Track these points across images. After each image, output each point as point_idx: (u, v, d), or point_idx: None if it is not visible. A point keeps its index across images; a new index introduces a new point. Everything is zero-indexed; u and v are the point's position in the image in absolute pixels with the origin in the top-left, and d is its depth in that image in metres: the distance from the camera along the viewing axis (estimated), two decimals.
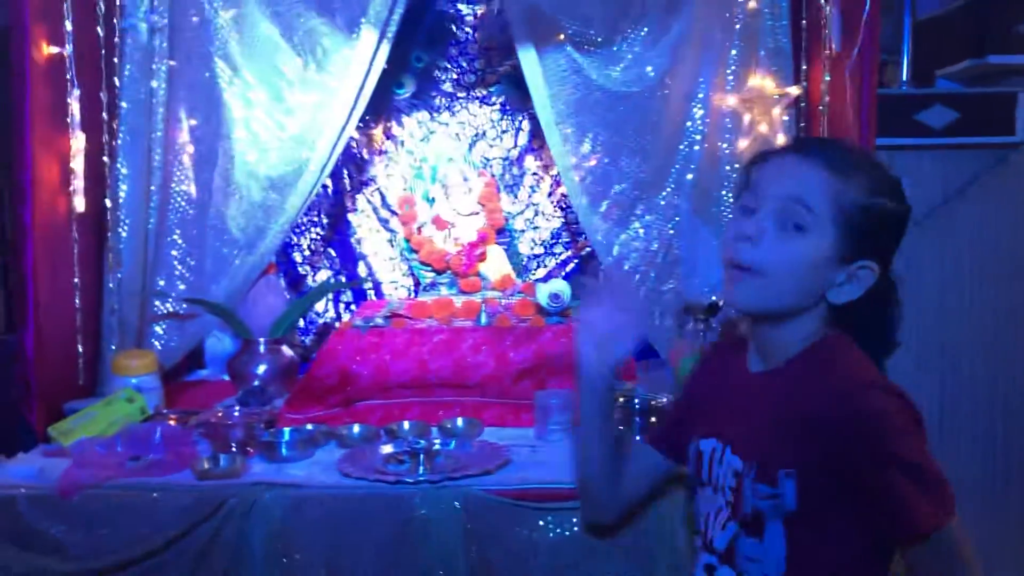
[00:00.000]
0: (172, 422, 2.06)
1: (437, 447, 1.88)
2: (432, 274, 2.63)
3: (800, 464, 1.06)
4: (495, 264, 2.59)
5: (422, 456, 1.83)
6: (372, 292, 2.87)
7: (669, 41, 2.42)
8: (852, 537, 1.05)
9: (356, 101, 2.38)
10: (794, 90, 2.35)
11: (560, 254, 2.89)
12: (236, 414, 2.05)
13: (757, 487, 1.09)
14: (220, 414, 2.05)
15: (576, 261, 2.88)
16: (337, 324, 2.80)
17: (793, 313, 1.12)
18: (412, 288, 2.81)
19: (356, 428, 2.08)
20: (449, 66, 2.85)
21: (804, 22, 2.33)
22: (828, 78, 2.20)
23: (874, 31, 2.04)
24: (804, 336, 1.13)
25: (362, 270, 2.87)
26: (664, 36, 2.42)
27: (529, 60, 2.39)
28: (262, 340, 2.38)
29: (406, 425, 2.09)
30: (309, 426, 2.08)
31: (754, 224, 1.09)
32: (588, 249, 2.79)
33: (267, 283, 2.50)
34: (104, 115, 2.26)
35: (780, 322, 1.13)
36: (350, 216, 2.88)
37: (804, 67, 2.35)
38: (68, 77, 2.13)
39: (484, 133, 2.86)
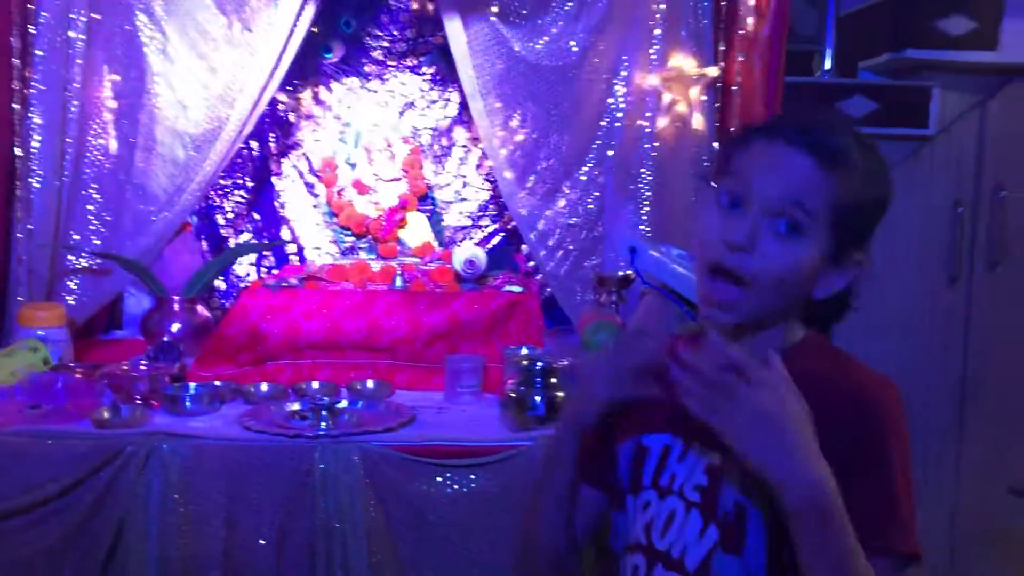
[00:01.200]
0: (78, 375, 2.04)
1: (344, 405, 1.90)
2: (352, 238, 2.64)
3: None
4: (416, 231, 2.60)
5: (325, 412, 1.84)
6: (296, 257, 2.86)
7: (593, 17, 2.45)
8: None
9: (278, 62, 2.37)
10: (712, 70, 2.40)
11: (486, 227, 2.90)
12: (143, 367, 2.04)
13: (744, 481, 0.98)
14: (125, 367, 2.04)
15: (503, 234, 2.90)
16: None
17: (776, 318, 1.04)
18: (338, 255, 2.81)
19: (264, 386, 2.09)
20: (380, 34, 2.84)
21: (724, 3, 2.37)
22: (741, 59, 2.24)
23: (784, 11, 2.09)
24: (782, 335, 1.05)
25: (285, 234, 2.86)
26: (588, 12, 2.45)
27: (455, 30, 2.41)
28: (176, 298, 2.37)
29: (315, 385, 2.11)
30: (216, 382, 2.08)
31: (747, 228, 0.97)
32: (515, 223, 2.81)
33: (184, 242, 2.49)
34: (16, 61, 2.21)
35: (762, 328, 1.04)
36: (275, 180, 2.85)
37: (722, 48, 2.39)
38: None
39: (414, 103, 2.86)
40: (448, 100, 2.87)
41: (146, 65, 2.39)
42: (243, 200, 2.85)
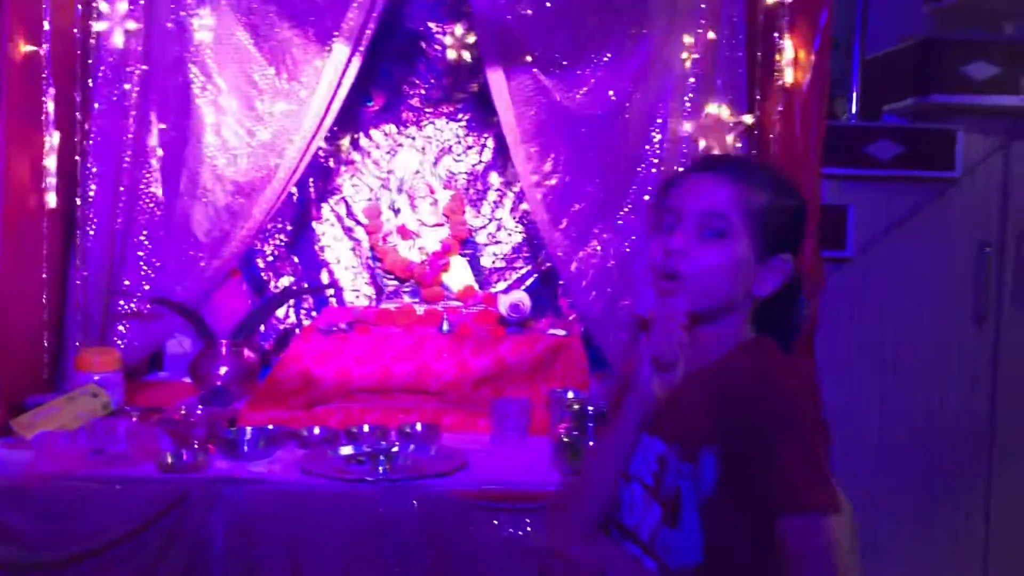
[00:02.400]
0: (135, 418, 2.09)
1: (396, 449, 1.94)
2: (395, 282, 2.70)
3: (718, 440, 1.14)
4: (458, 275, 2.66)
5: (382, 457, 1.88)
6: (334, 299, 2.92)
7: (630, 67, 2.52)
8: (765, 529, 1.11)
9: (326, 112, 2.45)
10: (747, 119, 2.46)
11: (520, 268, 2.96)
12: (199, 412, 2.08)
13: (681, 466, 1.16)
14: (183, 412, 2.09)
15: (536, 276, 2.96)
16: (297, 331, 2.85)
17: (725, 309, 1.23)
18: (374, 297, 2.86)
19: (316, 429, 2.13)
20: (418, 82, 2.92)
21: (759, 54, 2.44)
22: (780, 108, 2.31)
23: (824, 65, 2.15)
24: (735, 332, 1.24)
25: (325, 278, 2.92)
26: (626, 61, 2.52)
27: (497, 80, 2.48)
28: (224, 342, 2.42)
29: (366, 428, 2.15)
30: (270, 426, 2.12)
31: (680, 238, 1.19)
32: (548, 265, 2.87)
33: (230, 287, 2.54)
34: (78, 115, 2.29)
35: (714, 319, 1.24)
36: (315, 224, 2.93)
37: (757, 97, 2.46)
38: (44, 76, 2.17)
39: (450, 148, 2.94)
40: (484, 145, 2.95)
41: (197, 115, 2.46)
42: (283, 243, 2.92)
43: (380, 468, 1.87)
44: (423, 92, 2.93)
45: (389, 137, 2.92)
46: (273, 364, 2.49)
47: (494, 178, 2.97)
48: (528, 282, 2.95)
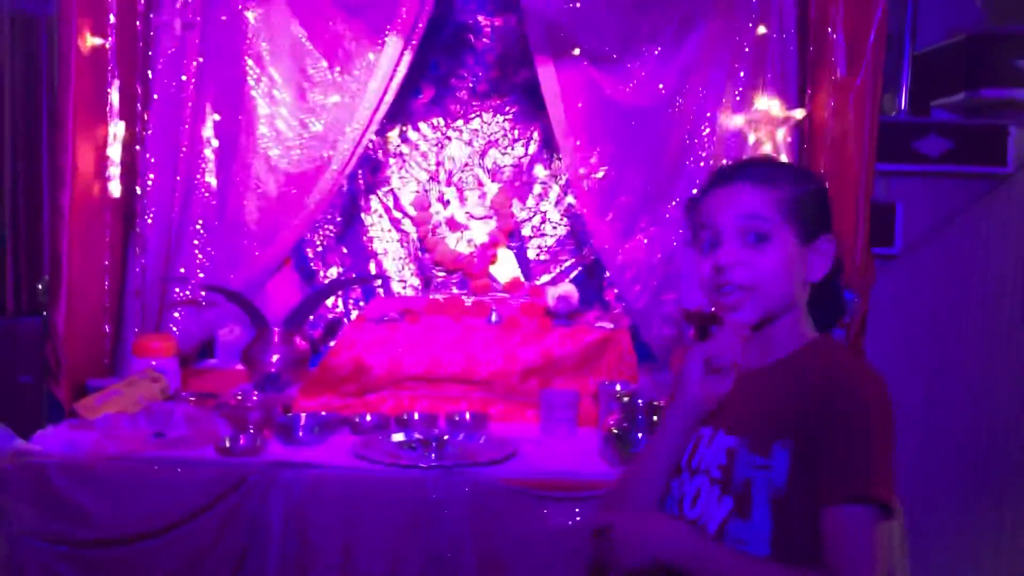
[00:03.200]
0: (194, 403, 2.14)
1: (447, 437, 1.97)
2: (443, 274, 2.73)
3: (792, 435, 1.15)
4: (505, 267, 2.69)
5: (434, 444, 1.92)
6: (381, 290, 2.96)
7: (680, 60, 2.53)
8: None
9: (378, 104, 2.48)
10: (798, 113, 2.46)
11: (565, 261, 2.98)
12: (255, 398, 2.13)
13: (752, 458, 1.18)
14: (239, 397, 2.13)
15: (580, 269, 2.97)
16: (345, 320, 2.89)
17: (788, 306, 1.24)
18: (420, 288, 2.90)
19: (368, 416, 2.17)
20: (466, 74, 2.95)
21: (811, 48, 2.43)
22: (832, 103, 2.30)
23: (878, 59, 2.14)
24: (797, 325, 1.26)
25: (373, 268, 2.96)
26: (676, 56, 2.53)
27: (546, 73, 2.49)
28: (276, 330, 2.46)
29: (416, 416, 2.18)
30: (323, 412, 2.17)
31: (728, 252, 1.21)
32: (592, 257, 2.89)
33: (282, 276, 2.58)
34: (139, 106, 2.34)
35: (777, 318, 1.25)
36: (363, 216, 2.97)
37: (808, 91, 2.45)
38: (109, 68, 2.22)
39: (496, 141, 2.96)
40: (530, 139, 2.97)
41: (251, 107, 2.51)
42: (332, 234, 2.96)
43: (432, 455, 1.90)
44: (471, 85, 2.95)
45: (437, 130, 2.95)
46: (323, 352, 2.54)
47: (539, 171, 2.99)
48: (572, 275, 2.97)
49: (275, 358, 2.45)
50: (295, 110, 2.52)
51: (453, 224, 2.70)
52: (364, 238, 2.97)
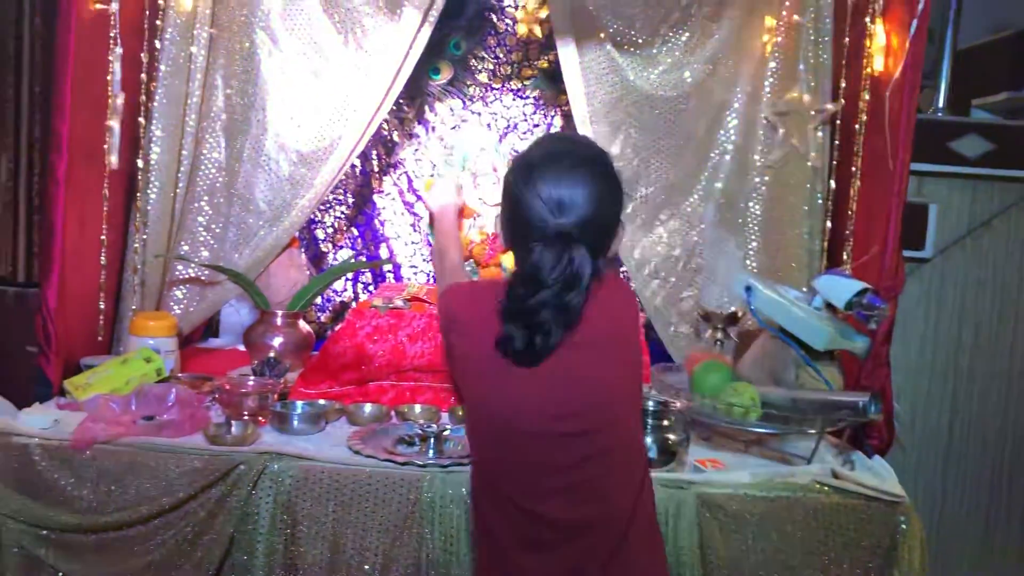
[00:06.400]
0: (187, 387, 2.07)
1: (448, 432, 1.89)
2: None
3: None
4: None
5: (432, 440, 1.83)
6: (391, 275, 2.88)
7: (708, 49, 2.41)
8: None
9: (393, 83, 2.38)
10: (831, 107, 2.34)
11: None
12: (250, 383, 2.05)
13: None
14: (234, 381, 2.06)
15: None
16: (354, 303, 2.82)
17: None
18: (431, 273, 2.82)
19: (367, 407, 2.10)
20: (486, 56, 2.85)
21: (847, 40, 2.31)
22: (867, 97, 2.19)
23: (918, 53, 2.03)
24: None
25: (384, 252, 2.88)
26: (703, 43, 2.42)
27: (568, 55, 2.39)
28: (280, 312, 2.39)
29: (417, 408, 2.10)
30: (321, 401, 2.09)
31: None
32: None
33: (289, 257, 2.51)
34: (143, 76, 2.27)
35: None
36: (376, 197, 2.88)
37: (843, 84, 2.33)
38: (112, 35, 2.14)
39: (516, 126, 2.86)
40: (550, 124, 2.87)
41: (262, 81, 2.42)
42: (343, 216, 2.88)
43: (430, 451, 1.82)
44: (491, 67, 2.85)
45: (454, 112, 2.86)
46: (328, 337, 2.46)
47: None
48: None
49: (277, 342, 2.38)
50: (308, 86, 2.43)
51: (465, 211, 2.60)
52: (376, 221, 2.89)
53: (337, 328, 2.25)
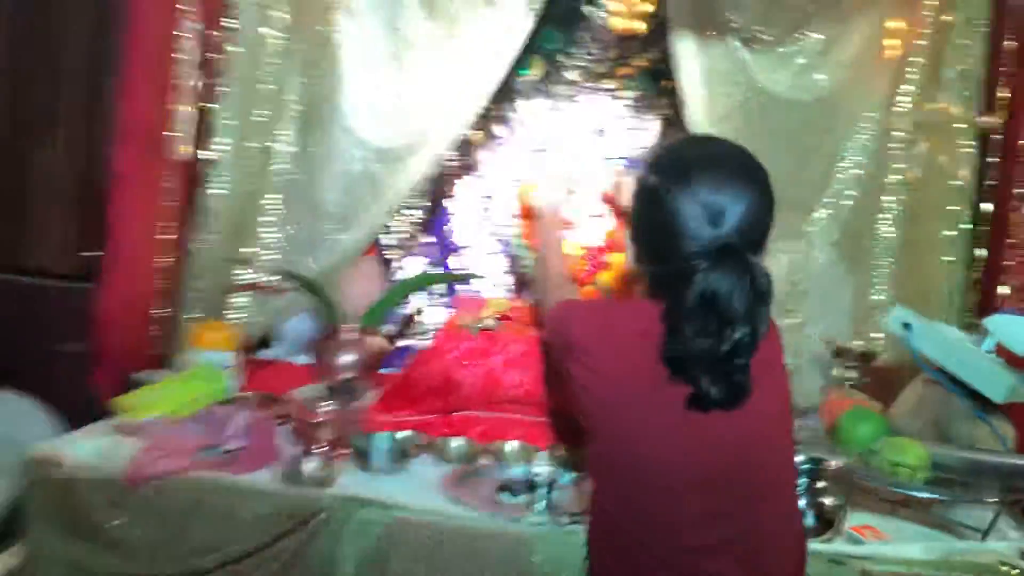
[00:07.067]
0: (251, 406, 1.81)
1: (562, 480, 1.62)
2: None
3: None
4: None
5: (545, 490, 1.57)
6: (473, 288, 2.60)
7: (843, 52, 2.16)
8: None
9: (488, 76, 2.13)
10: (986, 120, 2.06)
11: None
12: (327, 408, 1.79)
13: None
14: (305, 406, 1.80)
15: None
16: (418, 313, 2.55)
17: None
18: (514, 287, 2.55)
19: (454, 442, 1.84)
20: (579, 53, 2.58)
21: (1006, 43, 2.03)
22: None
23: None
24: None
25: (459, 262, 2.61)
26: (838, 46, 2.16)
27: (686, 53, 2.13)
28: (354, 327, 2.13)
29: (510, 446, 1.83)
30: (403, 433, 1.83)
31: None
32: None
33: (364, 266, 2.25)
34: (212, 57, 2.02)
35: None
36: (452, 203, 2.62)
37: (999, 95, 2.05)
38: (183, 10, 1.90)
39: (610, 129, 2.59)
40: (647, 129, 2.60)
41: (340, 70, 2.18)
42: (417, 221, 2.62)
43: (541, 504, 1.56)
44: (584, 65, 2.59)
45: (542, 112, 2.60)
46: (398, 353, 2.22)
47: None
48: None
49: (349, 358, 2.12)
50: (389, 77, 2.18)
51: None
52: (450, 227, 2.62)
53: (422, 350, 1.98)
